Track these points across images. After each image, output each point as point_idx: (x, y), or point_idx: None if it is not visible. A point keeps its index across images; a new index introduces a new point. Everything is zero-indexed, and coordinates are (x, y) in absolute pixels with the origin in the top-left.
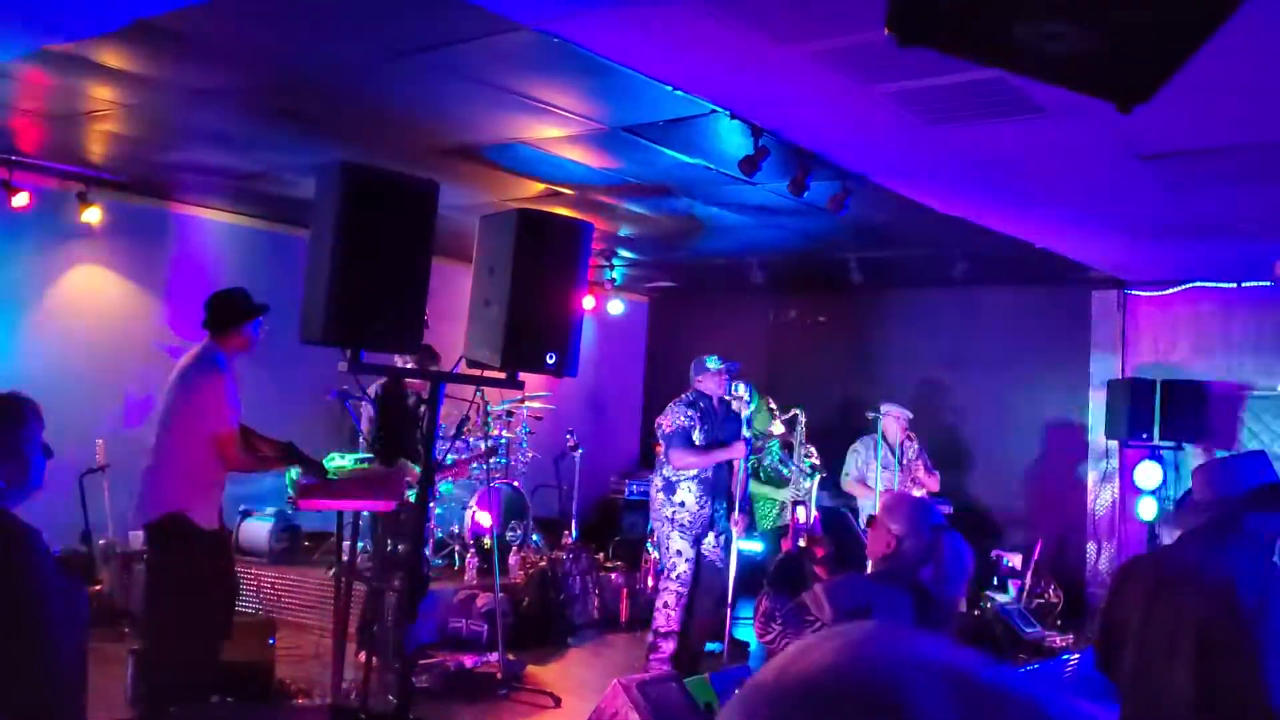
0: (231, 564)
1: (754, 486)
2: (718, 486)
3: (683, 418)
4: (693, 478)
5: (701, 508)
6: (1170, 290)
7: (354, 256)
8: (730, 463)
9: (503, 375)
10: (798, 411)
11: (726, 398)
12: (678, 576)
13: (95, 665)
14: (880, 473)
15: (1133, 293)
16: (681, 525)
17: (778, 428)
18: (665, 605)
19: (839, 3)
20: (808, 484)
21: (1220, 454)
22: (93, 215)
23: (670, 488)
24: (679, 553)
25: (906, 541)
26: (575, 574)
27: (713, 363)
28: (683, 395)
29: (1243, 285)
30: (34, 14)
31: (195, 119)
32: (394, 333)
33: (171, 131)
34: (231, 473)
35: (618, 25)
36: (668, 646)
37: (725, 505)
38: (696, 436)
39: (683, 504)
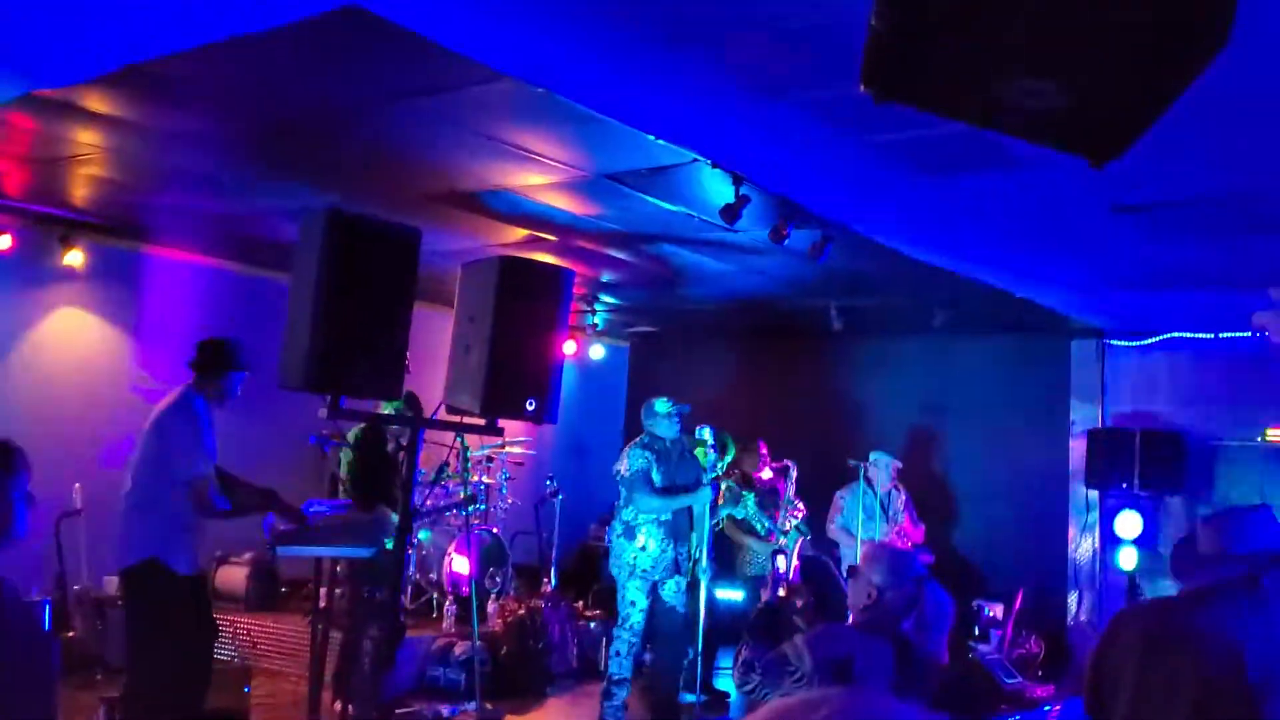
0: (209, 610)
1: (736, 534)
2: (679, 530)
3: (640, 459)
4: (653, 521)
5: (663, 551)
6: (1149, 340)
7: (336, 302)
8: (691, 507)
9: (483, 421)
10: (790, 464)
11: (699, 441)
12: (630, 626)
13: (67, 714)
14: (864, 521)
15: (1112, 342)
16: (642, 572)
17: (766, 474)
18: (618, 653)
19: (819, 55)
20: (782, 540)
21: (1202, 509)
22: (75, 258)
23: (630, 533)
24: (633, 603)
25: (888, 592)
26: (554, 622)
27: (661, 405)
28: (637, 439)
29: (1220, 336)
30: (22, 60)
31: (179, 163)
32: (375, 379)
33: (155, 176)
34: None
35: (601, 76)
36: (621, 694)
37: (686, 549)
38: (655, 476)
39: (644, 548)
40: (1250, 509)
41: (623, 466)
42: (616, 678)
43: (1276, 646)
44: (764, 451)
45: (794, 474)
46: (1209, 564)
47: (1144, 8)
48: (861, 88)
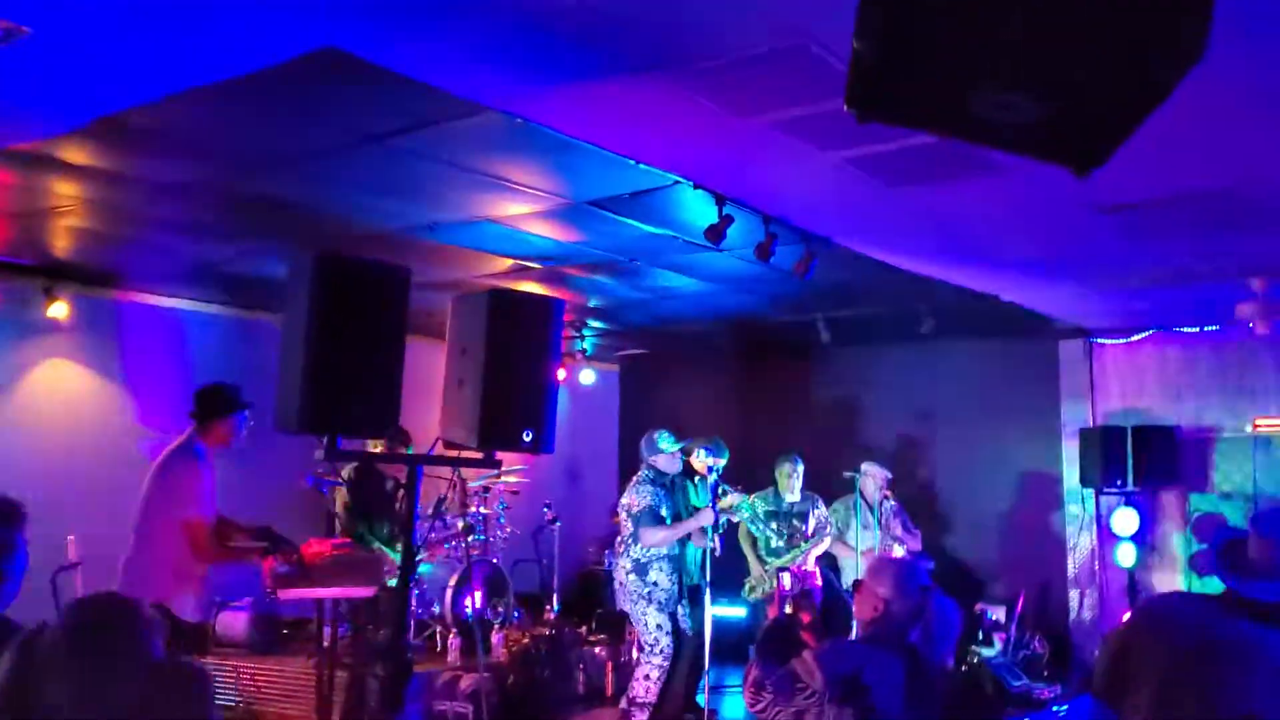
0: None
1: (746, 550)
2: (684, 560)
3: (649, 496)
4: (663, 556)
5: (673, 584)
6: (1135, 337)
7: (328, 344)
8: (690, 534)
9: (480, 455)
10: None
11: (701, 469)
12: (661, 651)
13: None
14: (861, 532)
15: (1098, 341)
16: (659, 602)
17: (794, 496)
18: (646, 677)
19: (792, 75)
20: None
21: (1196, 500)
22: (59, 310)
23: (642, 569)
24: (659, 627)
25: (894, 604)
26: (559, 650)
27: (666, 444)
28: (641, 472)
29: (1205, 329)
30: None
31: (160, 211)
32: (370, 418)
33: (136, 224)
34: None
35: (579, 104)
36: (641, 716)
37: (689, 576)
38: (664, 513)
39: (656, 584)
40: None
41: (633, 501)
42: (641, 701)
43: None
44: (797, 473)
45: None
46: (1263, 574)
47: (1122, 22)
48: (845, 108)
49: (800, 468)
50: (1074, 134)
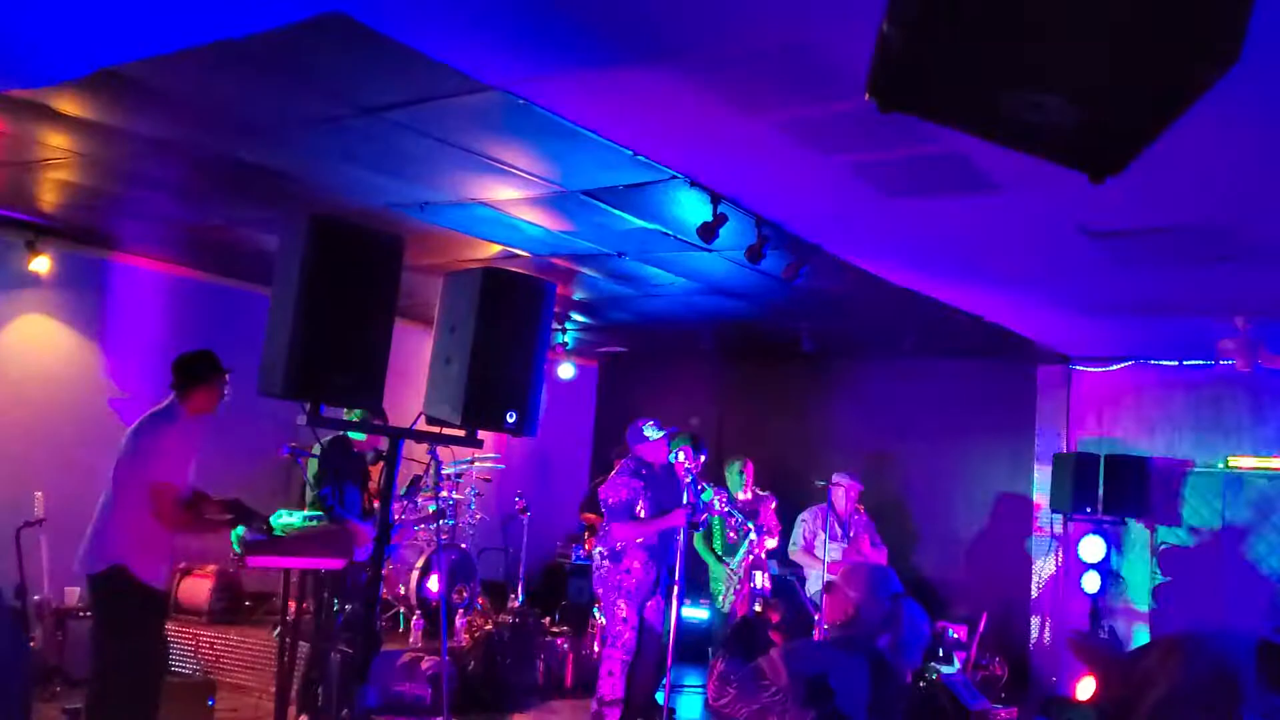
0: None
1: (705, 554)
2: (664, 553)
3: (626, 490)
4: (639, 545)
5: (648, 574)
6: (1114, 366)
7: (318, 309)
8: (674, 528)
9: (461, 433)
10: (770, 496)
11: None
12: (623, 644)
13: None
14: (828, 543)
15: (1077, 368)
16: (628, 592)
17: (746, 495)
18: (610, 673)
19: (796, 73)
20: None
21: (1164, 533)
22: (41, 264)
23: (617, 556)
24: (625, 620)
25: (865, 609)
26: (521, 638)
27: (652, 432)
28: (625, 463)
29: (1184, 364)
30: None
31: (151, 170)
32: (355, 387)
33: (127, 182)
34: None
35: (581, 88)
36: (612, 715)
37: (668, 569)
38: (640, 509)
39: (629, 571)
40: None
41: (611, 494)
42: (609, 699)
43: None
44: (749, 473)
45: (772, 505)
46: None
47: (1155, 21)
48: (866, 96)
49: (749, 468)
50: (1098, 139)
